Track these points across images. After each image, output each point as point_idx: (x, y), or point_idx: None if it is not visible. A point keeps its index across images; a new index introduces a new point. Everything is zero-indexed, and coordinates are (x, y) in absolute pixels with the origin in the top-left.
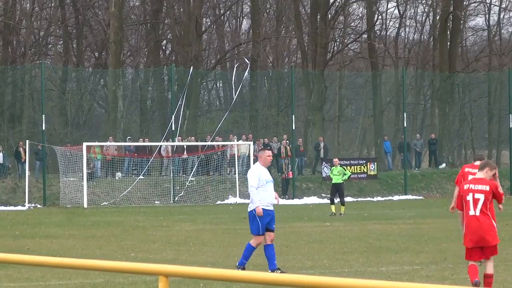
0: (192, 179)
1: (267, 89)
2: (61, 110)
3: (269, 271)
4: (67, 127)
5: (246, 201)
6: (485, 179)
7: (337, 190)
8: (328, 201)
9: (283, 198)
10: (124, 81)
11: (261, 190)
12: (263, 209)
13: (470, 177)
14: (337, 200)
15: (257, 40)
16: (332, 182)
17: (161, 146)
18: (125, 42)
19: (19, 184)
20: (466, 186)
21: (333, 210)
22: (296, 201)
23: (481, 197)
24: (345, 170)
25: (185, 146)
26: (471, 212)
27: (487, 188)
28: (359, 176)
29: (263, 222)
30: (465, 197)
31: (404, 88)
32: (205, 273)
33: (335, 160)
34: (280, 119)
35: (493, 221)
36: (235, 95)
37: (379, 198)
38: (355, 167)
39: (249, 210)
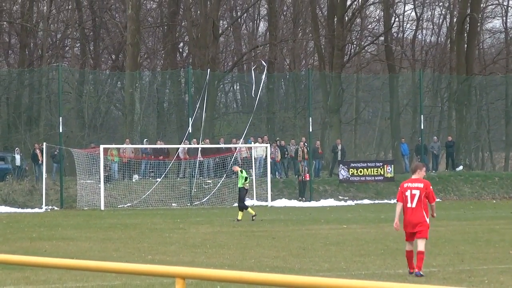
0: (209, 181)
1: (284, 92)
2: (78, 112)
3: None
4: (84, 129)
5: (263, 203)
6: (420, 179)
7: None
8: (344, 203)
9: (300, 201)
10: (141, 84)
11: None
12: None
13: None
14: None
15: (274, 42)
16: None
17: (178, 148)
18: (142, 45)
19: (36, 186)
20: (405, 185)
21: (253, 213)
22: (313, 204)
23: (417, 193)
24: (242, 173)
25: (200, 149)
26: (408, 205)
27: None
28: (376, 178)
29: None
30: (404, 193)
31: (421, 90)
32: (222, 276)
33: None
34: (297, 121)
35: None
36: (254, 97)
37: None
38: (372, 169)
39: None
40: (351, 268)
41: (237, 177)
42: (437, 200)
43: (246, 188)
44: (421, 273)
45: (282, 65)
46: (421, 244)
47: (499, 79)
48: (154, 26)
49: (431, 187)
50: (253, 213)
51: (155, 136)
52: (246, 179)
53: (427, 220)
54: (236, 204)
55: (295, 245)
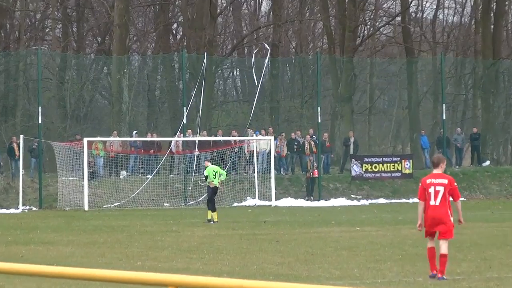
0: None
1: (289, 78)
2: (59, 101)
3: None
4: (66, 120)
5: (267, 203)
6: (443, 174)
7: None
8: (357, 203)
9: (307, 200)
10: (130, 69)
11: None
12: None
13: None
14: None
15: (278, 23)
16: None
17: (171, 141)
18: (131, 26)
19: (12, 184)
20: (428, 181)
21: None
22: (322, 203)
23: (441, 189)
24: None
25: (197, 142)
26: (432, 202)
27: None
28: (392, 175)
29: None
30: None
31: (442, 76)
32: (220, 284)
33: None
34: (304, 111)
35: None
36: (256, 84)
37: (415, 200)
38: (388, 164)
39: None
40: (365, 276)
41: (236, 173)
42: (462, 199)
43: (217, 186)
44: (445, 277)
45: (288, 49)
46: (444, 246)
47: None
48: (144, 5)
49: (455, 184)
50: (215, 220)
51: (145, 127)
52: (215, 175)
53: (452, 219)
54: (236, 204)
55: (302, 250)
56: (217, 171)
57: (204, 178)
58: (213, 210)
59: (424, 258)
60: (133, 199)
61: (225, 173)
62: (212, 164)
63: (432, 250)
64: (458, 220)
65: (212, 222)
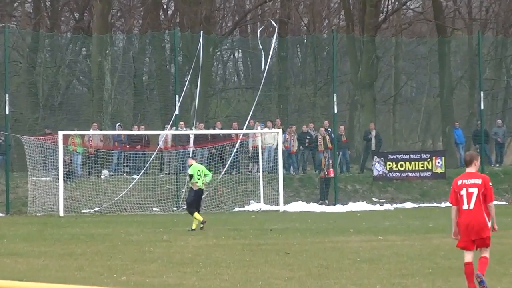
0: None
1: (300, 61)
2: (30, 88)
3: None
4: (38, 110)
5: (273, 207)
6: (477, 172)
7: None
8: (380, 207)
9: (321, 204)
10: (112, 50)
11: None
12: None
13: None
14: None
15: None
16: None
17: (161, 135)
18: (114, 0)
19: None
20: (459, 182)
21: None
22: (339, 208)
23: (474, 191)
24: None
25: (191, 136)
26: (465, 206)
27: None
28: (421, 174)
29: None
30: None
31: (480, 59)
32: None
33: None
34: (318, 100)
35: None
36: (262, 68)
37: (449, 204)
38: (417, 163)
39: None
40: None
41: (238, 172)
42: (503, 203)
43: (200, 188)
44: (483, 278)
45: (298, 26)
46: (485, 251)
47: None
48: None
49: (490, 184)
50: (200, 221)
51: (131, 119)
52: (200, 175)
53: (489, 224)
54: (237, 209)
55: (315, 263)
56: (202, 171)
57: (188, 177)
58: (192, 213)
59: (458, 271)
60: (116, 203)
61: (211, 174)
62: (211, 162)
63: (470, 266)
64: (492, 226)
65: (191, 229)
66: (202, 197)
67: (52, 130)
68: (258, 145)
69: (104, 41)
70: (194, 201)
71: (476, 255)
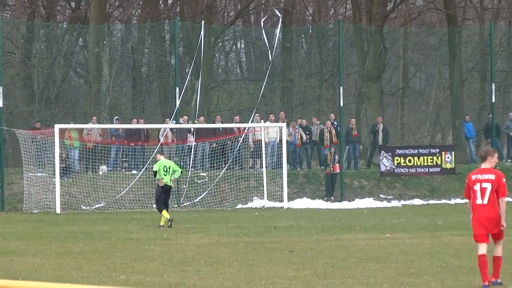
0: (203, 174)
1: (305, 52)
2: (25, 80)
3: None
4: (33, 103)
5: (277, 204)
6: (491, 168)
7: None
8: (387, 204)
9: (327, 201)
10: (110, 41)
11: None
12: None
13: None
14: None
15: None
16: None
17: (162, 129)
18: None
19: None
20: (473, 177)
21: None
22: (345, 205)
23: (488, 186)
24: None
25: (192, 130)
26: (479, 201)
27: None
28: (430, 170)
29: None
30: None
31: (492, 50)
32: None
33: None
34: (323, 92)
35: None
36: (265, 59)
37: (458, 200)
38: (425, 157)
39: None
40: None
41: (240, 168)
42: None
43: (169, 185)
44: (499, 281)
45: (303, 16)
46: (498, 249)
47: None
48: None
49: (504, 180)
50: (167, 219)
51: (129, 112)
52: (167, 171)
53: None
54: (240, 206)
55: (321, 261)
56: (170, 167)
57: (152, 174)
58: (160, 210)
59: (468, 270)
60: (115, 200)
61: (180, 170)
62: (213, 157)
63: (483, 258)
64: (501, 224)
65: (159, 226)
66: (171, 193)
67: (48, 123)
68: (261, 140)
69: (101, 31)
70: (162, 198)
71: (490, 248)
